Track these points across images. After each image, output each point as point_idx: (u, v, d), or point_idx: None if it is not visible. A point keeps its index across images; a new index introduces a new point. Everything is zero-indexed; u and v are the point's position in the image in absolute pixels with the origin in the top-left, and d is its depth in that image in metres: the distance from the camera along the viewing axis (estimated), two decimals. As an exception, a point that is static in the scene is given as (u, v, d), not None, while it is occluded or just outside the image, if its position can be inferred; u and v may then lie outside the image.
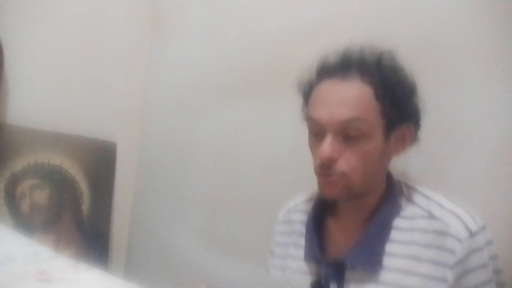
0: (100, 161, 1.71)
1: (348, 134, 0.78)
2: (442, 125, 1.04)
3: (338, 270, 0.82)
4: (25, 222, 1.51)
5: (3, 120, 1.49)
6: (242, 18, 1.49)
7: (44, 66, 1.57)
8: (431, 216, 0.79)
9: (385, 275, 0.78)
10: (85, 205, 1.67)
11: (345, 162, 0.78)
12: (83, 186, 1.66)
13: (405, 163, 0.87)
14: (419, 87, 0.84)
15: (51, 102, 1.59)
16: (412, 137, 0.84)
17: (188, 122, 1.65)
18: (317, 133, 0.82)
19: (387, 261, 0.79)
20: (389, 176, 0.86)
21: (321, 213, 0.90)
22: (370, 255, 0.79)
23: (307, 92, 0.87)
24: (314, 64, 0.87)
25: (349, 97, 0.78)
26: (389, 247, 0.79)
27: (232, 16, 1.53)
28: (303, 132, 0.87)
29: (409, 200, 0.83)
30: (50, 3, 1.58)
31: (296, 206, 0.99)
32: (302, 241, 0.90)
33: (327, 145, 0.78)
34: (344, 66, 0.82)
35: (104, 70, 1.72)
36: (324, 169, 0.79)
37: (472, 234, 0.75)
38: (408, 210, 0.82)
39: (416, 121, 0.84)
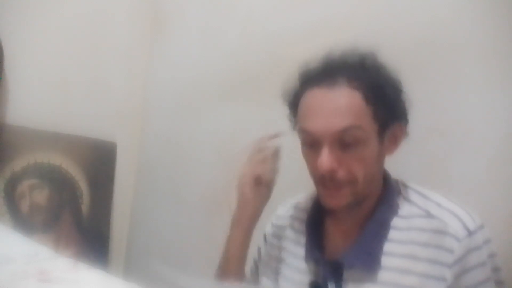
0: (100, 161, 1.71)
1: (344, 142, 0.77)
2: (442, 125, 1.04)
3: (336, 270, 0.82)
4: (25, 222, 1.51)
5: (3, 120, 1.49)
6: (242, 18, 1.49)
7: (44, 66, 1.57)
8: (428, 215, 0.78)
9: (383, 275, 0.78)
10: (85, 205, 1.67)
11: (346, 170, 0.78)
12: (83, 186, 1.66)
13: (405, 163, 0.87)
14: (404, 84, 0.83)
15: (51, 102, 1.59)
16: (403, 134, 0.84)
17: (188, 122, 1.65)
18: (311, 144, 0.80)
19: (385, 260, 0.78)
20: (386, 176, 0.86)
21: (320, 213, 0.90)
22: (368, 254, 0.79)
23: (293, 102, 0.86)
24: (296, 72, 0.85)
25: (340, 106, 0.77)
26: (387, 247, 0.79)
27: (232, 16, 1.53)
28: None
29: (407, 199, 0.83)
30: (50, 3, 1.58)
31: (296, 205, 0.99)
32: (301, 239, 0.90)
33: (326, 157, 0.77)
34: (328, 72, 0.80)
35: (104, 70, 1.72)
36: (327, 180, 0.79)
37: (470, 233, 0.75)
38: (405, 209, 0.81)
39: (405, 117, 0.84)
